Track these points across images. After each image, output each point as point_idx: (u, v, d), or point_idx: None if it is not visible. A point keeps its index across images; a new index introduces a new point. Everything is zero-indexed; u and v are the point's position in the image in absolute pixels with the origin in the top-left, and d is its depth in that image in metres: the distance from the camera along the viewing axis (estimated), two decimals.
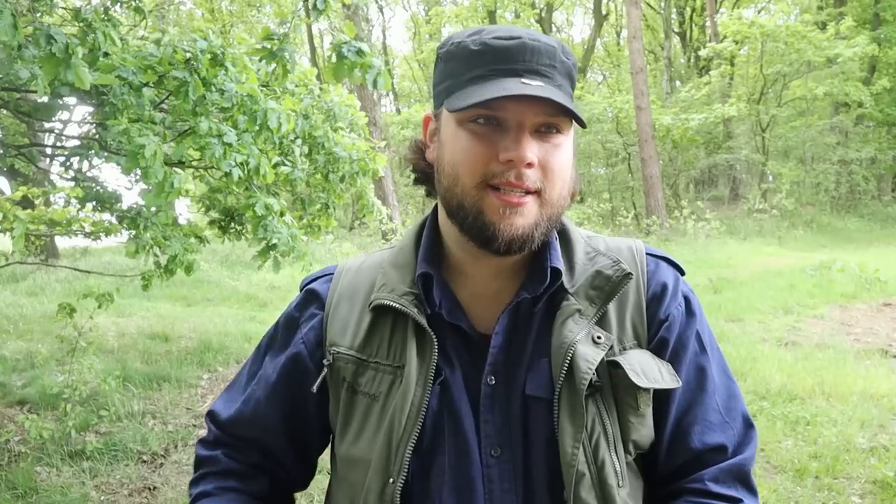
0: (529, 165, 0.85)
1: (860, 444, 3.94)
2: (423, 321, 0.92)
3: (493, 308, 0.95)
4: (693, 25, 25.16)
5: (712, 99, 19.05)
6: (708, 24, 22.62)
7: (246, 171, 2.93)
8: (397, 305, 0.93)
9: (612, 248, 1.00)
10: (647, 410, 0.92)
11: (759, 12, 23.30)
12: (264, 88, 3.35)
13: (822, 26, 18.93)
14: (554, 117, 0.86)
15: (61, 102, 4.13)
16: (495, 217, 0.86)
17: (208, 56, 2.80)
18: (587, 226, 13.84)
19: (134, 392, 4.73)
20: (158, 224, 3.57)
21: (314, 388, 0.97)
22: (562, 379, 0.88)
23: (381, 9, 26.27)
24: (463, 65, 0.88)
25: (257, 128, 2.95)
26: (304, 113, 3.53)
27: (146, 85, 2.85)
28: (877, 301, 7.81)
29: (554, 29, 28.01)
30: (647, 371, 0.91)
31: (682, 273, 1.02)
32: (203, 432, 1.10)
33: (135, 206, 3.82)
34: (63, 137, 4.58)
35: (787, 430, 4.20)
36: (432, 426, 0.90)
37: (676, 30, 25.71)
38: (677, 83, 24.76)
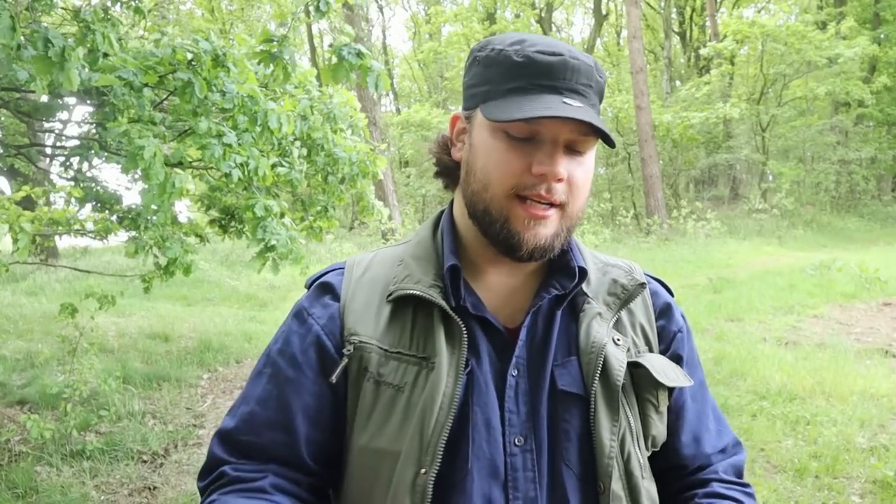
0: (560, 180, 0.89)
1: (860, 443, 3.94)
2: (452, 312, 0.94)
3: (511, 304, 1.00)
4: (693, 25, 25.16)
5: (712, 98, 19.05)
6: (708, 23, 22.63)
7: (245, 173, 2.93)
8: (425, 295, 0.95)
9: (619, 262, 1.08)
10: (665, 408, 1.01)
11: (759, 12, 23.32)
12: (264, 89, 3.35)
13: (822, 26, 18.94)
14: (585, 136, 0.90)
15: (61, 102, 4.14)
16: (521, 227, 0.91)
17: (211, 57, 2.80)
18: (587, 225, 13.83)
19: (134, 392, 4.74)
20: (158, 224, 3.57)
21: (333, 379, 0.96)
22: (597, 377, 0.94)
23: (380, 8, 26.28)
24: (504, 74, 0.91)
25: (258, 129, 2.95)
26: (302, 114, 3.53)
27: (146, 86, 2.84)
28: (877, 301, 7.82)
29: (554, 28, 28.01)
30: (667, 371, 0.99)
31: (672, 295, 1.13)
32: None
33: (134, 206, 3.82)
34: (63, 137, 4.59)
35: (787, 429, 4.20)
36: (459, 415, 0.91)
37: (676, 29, 25.71)
38: (677, 83, 24.76)
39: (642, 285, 1.02)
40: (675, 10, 25.09)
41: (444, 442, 0.89)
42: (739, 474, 1.08)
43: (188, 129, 3.02)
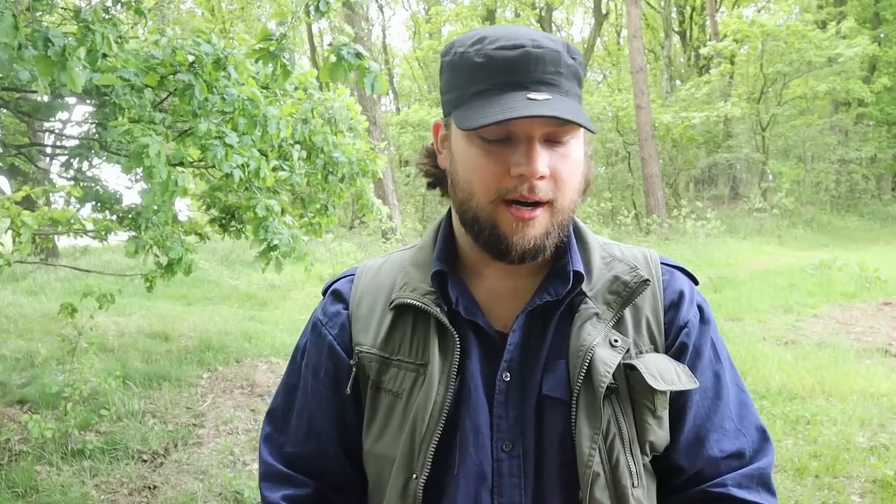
0: (541, 178, 0.86)
1: (860, 443, 3.94)
2: (445, 319, 0.94)
3: (508, 306, 0.97)
4: (693, 24, 25.15)
5: (712, 98, 19.04)
6: (708, 22, 22.62)
7: (246, 173, 2.94)
8: (420, 304, 0.95)
9: (628, 255, 1.02)
10: (664, 413, 0.94)
11: (759, 11, 23.30)
12: (264, 90, 3.35)
13: (822, 25, 18.93)
14: (562, 126, 0.86)
15: (61, 102, 4.13)
16: (509, 230, 0.88)
17: (212, 59, 2.80)
18: (587, 225, 13.80)
19: (134, 391, 4.74)
20: (158, 224, 3.57)
21: (348, 390, 0.99)
22: (580, 381, 0.91)
23: (380, 8, 26.27)
24: (466, 77, 0.88)
25: (258, 131, 2.95)
26: (302, 117, 3.53)
27: (147, 86, 2.85)
28: (877, 300, 7.81)
29: (554, 28, 27.99)
30: (664, 374, 0.93)
31: (696, 283, 1.05)
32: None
33: (134, 205, 3.82)
34: (63, 137, 4.59)
35: (787, 429, 4.20)
36: (449, 421, 0.92)
37: (676, 29, 25.69)
38: (677, 82, 24.74)
39: (645, 282, 0.96)
40: (675, 9, 25.08)
41: (434, 448, 0.90)
42: (762, 485, 0.96)
43: (188, 130, 3.02)
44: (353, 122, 4.09)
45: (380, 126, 14.93)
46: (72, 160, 4.11)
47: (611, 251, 1.02)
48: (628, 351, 0.94)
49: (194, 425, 4.33)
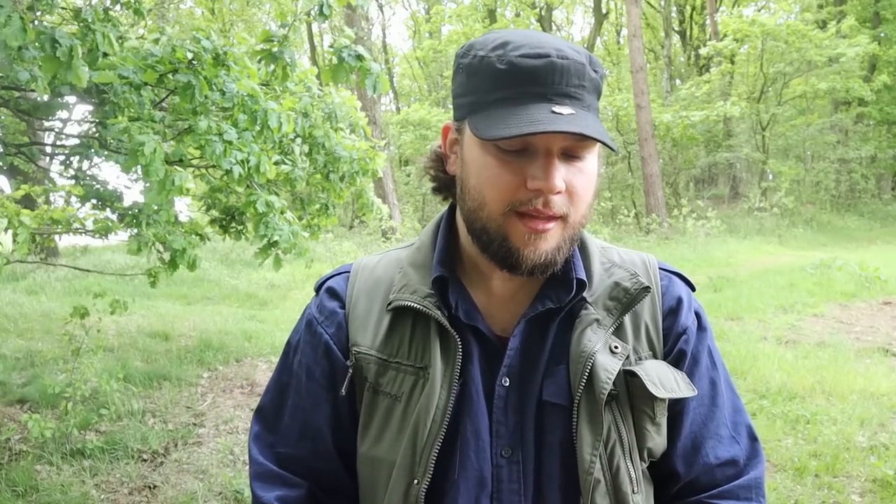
0: (558, 193, 0.84)
1: (860, 442, 3.94)
2: (447, 323, 0.92)
3: (509, 311, 0.96)
4: (693, 24, 25.14)
5: (712, 97, 19.05)
6: (708, 22, 22.62)
7: (246, 169, 2.93)
8: (420, 307, 0.93)
9: (627, 260, 1.01)
10: (663, 420, 0.95)
11: (759, 10, 23.29)
12: (264, 87, 3.35)
13: (822, 25, 18.93)
14: (581, 142, 0.84)
15: (61, 101, 4.13)
16: (520, 243, 0.86)
17: (211, 56, 2.80)
18: (588, 225, 13.79)
19: (134, 391, 4.73)
20: (160, 222, 3.57)
21: (343, 391, 0.97)
22: (581, 387, 0.90)
23: (381, 7, 26.26)
24: (488, 83, 0.85)
25: (258, 127, 2.95)
26: (303, 111, 3.53)
27: (146, 84, 2.85)
28: (877, 300, 7.82)
29: (554, 27, 27.98)
30: (664, 381, 0.93)
31: (694, 289, 1.05)
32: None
33: (135, 204, 3.82)
34: (63, 136, 4.59)
35: (787, 428, 4.20)
36: (450, 426, 0.91)
37: (676, 28, 25.69)
38: (677, 82, 24.75)
39: (646, 289, 0.95)
40: (675, 8, 25.08)
41: (437, 453, 0.89)
42: (756, 493, 0.98)
43: (188, 128, 3.02)
44: (353, 120, 4.09)
45: (380, 125, 14.92)
46: (71, 159, 4.11)
47: (610, 256, 1.01)
48: (628, 357, 0.93)
49: (194, 425, 4.33)
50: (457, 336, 0.92)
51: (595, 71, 0.87)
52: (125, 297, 4.89)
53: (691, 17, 25.04)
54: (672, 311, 0.99)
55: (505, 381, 0.93)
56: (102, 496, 3.47)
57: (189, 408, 4.62)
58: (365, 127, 4.31)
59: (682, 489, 0.98)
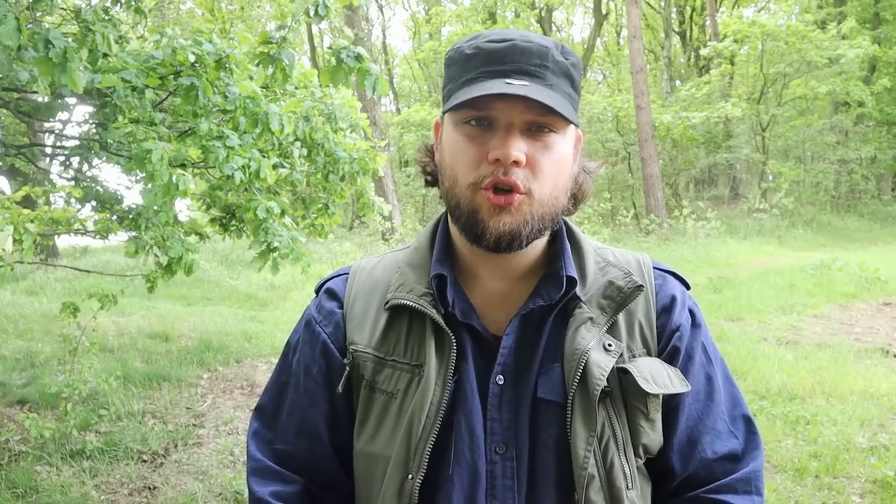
0: (516, 164, 0.86)
1: (860, 443, 3.94)
2: (442, 321, 0.94)
3: (503, 309, 0.98)
4: (693, 25, 25.15)
5: (712, 98, 19.05)
6: (708, 23, 22.62)
7: (247, 175, 2.94)
8: (416, 306, 0.96)
9: (622, 260, 1.03)
10: (657, 416, 0.96)
11: (759, 11, 23.31)
12: (265, 90, 3.35)
13: (822, 25, 18.93)
14: (543, 116, 0.87)
15: (61, 102, 4.13)
16: (486, 215, 0.89)
17: (213, 59, 2.80)
18: (587, 225, 13.82)
19: (134, 391, 4.73)
20: (159, 224, 3.57)
21: (339, 388, 0.99)
22: (575, 384, 0.91)
23: (381, 8, 26.27)
24: (460, 69, 0.91)
25: (258, 130, 2.95)
26: (304, 115, 3.53)
27: (147, 87, 2.85)
28: (877, 300, 7.81)
29: (554, 28, 27.99)
30: (657, 377, 0.94)
31: (688, 287, 1.06)
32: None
33: (135, 206, 3.82)
34: (63, 137, 4.58)
35: (787, 429, 4.20)
36: (445, 423, 0.93)
37: (676, 29, 25.70)
38: (677, 82, 24.75)
39: (639, 287, 0.97)
40: (675, 9, 25.08)
41: (431, 449, 0.91)
42: (755, 487, 0.98)
43: (188, 130, 3.02)
44: (353, 120, 4.09)
45: (380, 126, 14.92)
46: (71, 160, 4.11)
47: (605, 256, 1.03)
48: (622, 355, 0.95)
49: (194, 425, 4.32)
50: (451, 334, 0.94)
51: (565, 57, 0.90)
52: (125, 298, 4.89)
53: (691, 17, 25.04)
54: (666, 309, 1.00)
55: (499, 379, 0.94)
56: (102, 497, 3.47)
57: (189, 409, 4.62)
58: (365, 127, 4.31)
59: (680, 485, 0.99)
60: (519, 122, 0.87)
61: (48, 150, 4.83)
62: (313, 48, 23.04)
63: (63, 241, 10.54)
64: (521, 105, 0.85)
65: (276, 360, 1.35)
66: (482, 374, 0.95)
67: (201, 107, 2.76)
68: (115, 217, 3.84)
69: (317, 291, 1.09)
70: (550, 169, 0.89)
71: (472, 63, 0.89)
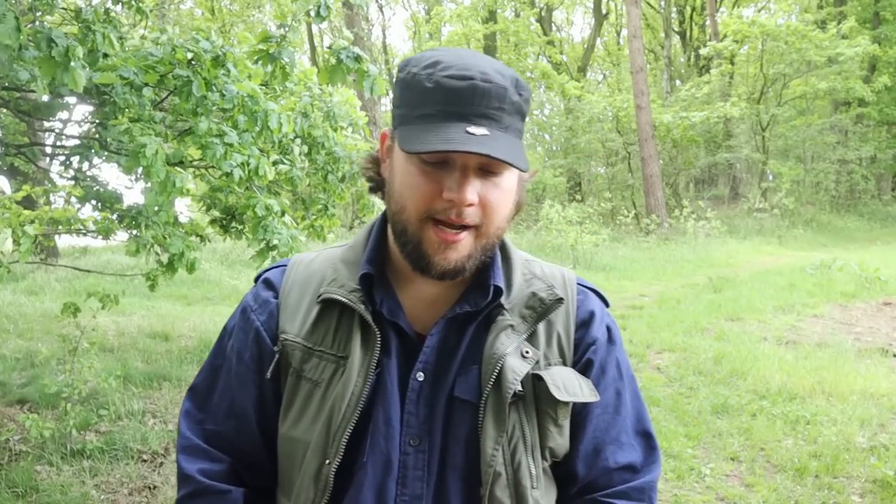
0: (470, 205, 0.91)
1: (860, 443, 3.95)
2: (369, 318, 0.99)
3: (431, 311, 1.04)
4: (693, 24, 25.16)
5: (712, 98, 19.05)
6: (708, 23, 22.63)
7: (246, 172, 2.94)
8: (346, 301, 1.01)
9: (548, 273, 1.09)
10: (566, 422, 1.02)
11: (759, 11, 23.32)
12: (264, 87, 3.34)
13: (822, 25, 18.94)
14: (496, 164, 0.90)
15: (61, 102, 4.13)
16: (432, 250, 0.94)
17: (210, 56, 2.81)
18: (587, 225, 13.79)
19: (134, 391, 4.73)
20: (160, 223, 3.57)
21: (268, 374, 1.04)
22: (490, 386, 0.97)
23: (381, 8, 26.28)
24: (416, 99, 0.92)
25: (258, 128, 2.95)
26: (303, 111, 3.53)
27: (146, 85, 2.85)
28: (877, 300, 7.82)
29: (554, 28, 27.99)
30: (568, 386, 1.00)
31: (608, 305, 1.13)
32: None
33: (135, 205, 3.81)
34: (63, 137, 4.58)
35: (787, 429, 4.20)
36: (364, 413, 0.98)
37: (676, 29, 25.70)
38: (677, 82, 24.76)
39: (560, 300, 1.04)
40: (675, 9, 25.09)
41: (348, 436, 0.96)
42: (647, 497, 1.05)
43: (188, 129, 3.02)
44: (353, 118, 4.09)
45: (380, 126, 14.92)
46: (71, 160, 4.11)
47: (532, 269, 1.09)
48: (538, 363, 1.01)
49: None
50: (377, 330, 0.99)
51: (519, 94, 0.93)
52: (126, 297, 4.90)
53: (691, 17, 25.05)
54: (584, 324, 1.07)
55: (419, 376, 1.00)
56: (102, 496, 3.47)
57: None
58: (364, 127, 4.31)
59: (581, 489, 1.06)
60: (473, 164, 0.90)
61: (48, 150, 4.83)
62: (313, 48, 23.05)
63: (63, 241, 10.55)
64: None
65: None
66: (404, 370, 1.00)
67: (198, 104, 2.76)
68: (115, 216, 3.83)
69: (255, 281, 1.13)
70: (499, 205, 0.95)
71: (430, 98, 0.90)
